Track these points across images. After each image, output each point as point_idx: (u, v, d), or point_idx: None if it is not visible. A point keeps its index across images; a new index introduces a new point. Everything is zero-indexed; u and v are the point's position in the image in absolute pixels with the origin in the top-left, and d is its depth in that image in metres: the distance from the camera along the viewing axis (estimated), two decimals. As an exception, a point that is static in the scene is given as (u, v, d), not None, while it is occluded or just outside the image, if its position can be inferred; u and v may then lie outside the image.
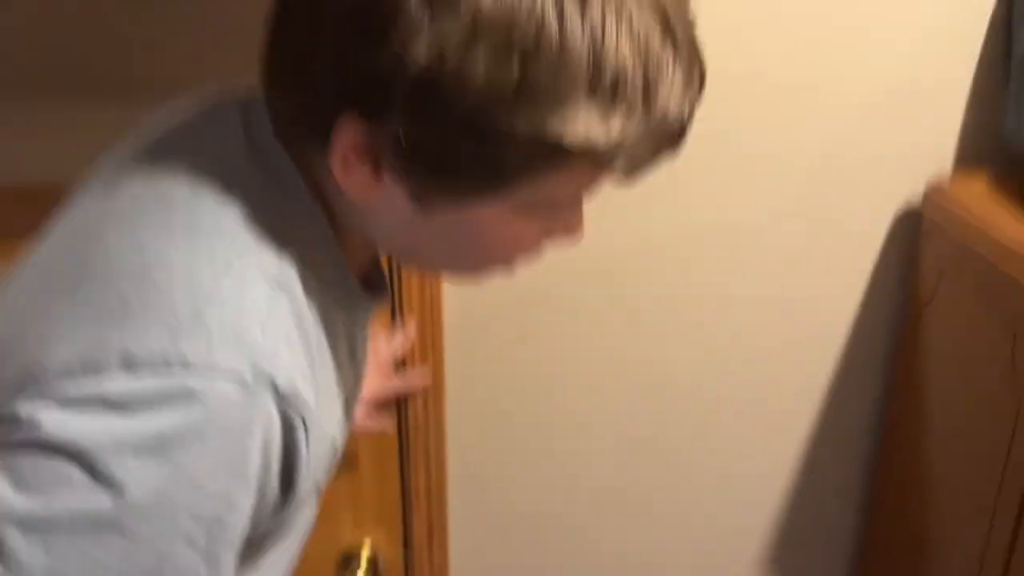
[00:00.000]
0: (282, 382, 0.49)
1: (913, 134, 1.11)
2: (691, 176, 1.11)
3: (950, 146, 1.11)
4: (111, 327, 0.47)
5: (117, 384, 0.45)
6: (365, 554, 1.13)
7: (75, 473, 0.44)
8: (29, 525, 0.44)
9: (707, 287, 1.19)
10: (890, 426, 1.20)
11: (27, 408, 0.45)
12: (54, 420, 0.45)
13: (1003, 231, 0.93)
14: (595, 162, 0.50)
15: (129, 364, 0.46)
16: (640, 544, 1.34)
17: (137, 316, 0.47)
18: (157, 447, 0.45)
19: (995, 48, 1.06)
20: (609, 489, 1.30)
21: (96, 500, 0.45)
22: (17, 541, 0.44)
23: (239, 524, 0.50)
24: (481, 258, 0.59)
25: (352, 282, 0.61)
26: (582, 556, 1.33)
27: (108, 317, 0.48)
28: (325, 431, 0.57)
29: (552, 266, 1.01)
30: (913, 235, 1.13)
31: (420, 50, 0.46)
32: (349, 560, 1.12)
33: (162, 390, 0.46)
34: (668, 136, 0.52)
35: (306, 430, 0.51)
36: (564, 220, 0.59)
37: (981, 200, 1.01)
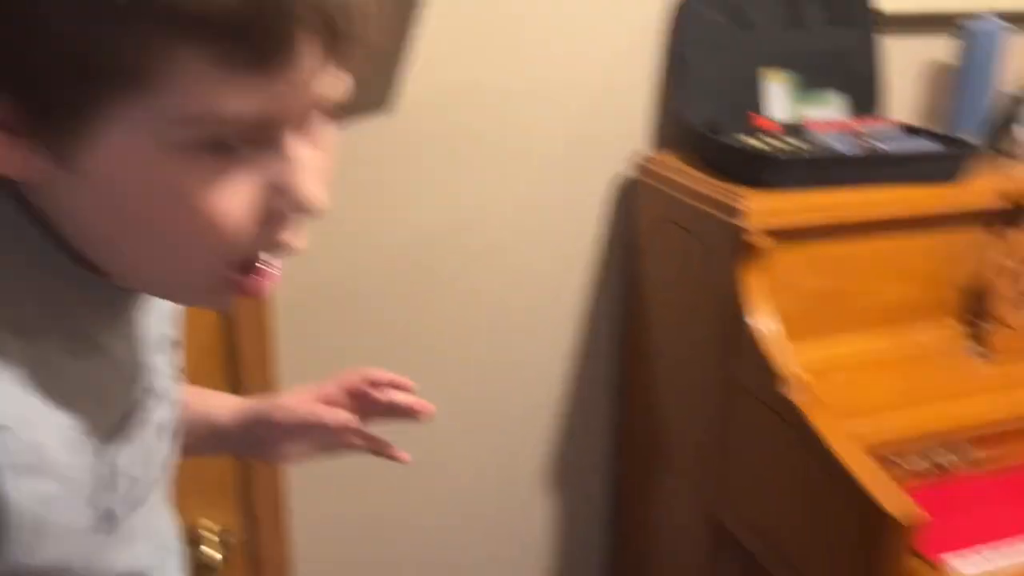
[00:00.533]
0: None
1: (621, 123, 1.45)
2: (448, 175, 1.37)
3: (647, 130, 1.47)
4: None
5: None
6: (208, 530, 1.17)
7: None
8: None
9: (476, 265, 1.44)
10: (630, 339, 1.53)
11: None
12: None
13: (692, 181, 1.28)
14: (203, 35, 0.40)
15: None
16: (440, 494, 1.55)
17: None
18: None
19: (668, 54, 1.44)
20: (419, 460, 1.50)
21: None
22: None
23: None
24: (153, 227, 0.46)
25: (81, 271, 0.51)
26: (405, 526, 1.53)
27: None
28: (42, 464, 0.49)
29: (357, 260, 1.23)
30: (629, 196, 1.47)
31: None
32: (195, 538, 1.16)
33: None
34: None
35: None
36: (273, 173, 0.47)
37: (674, 163, 1.36)
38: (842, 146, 1.28)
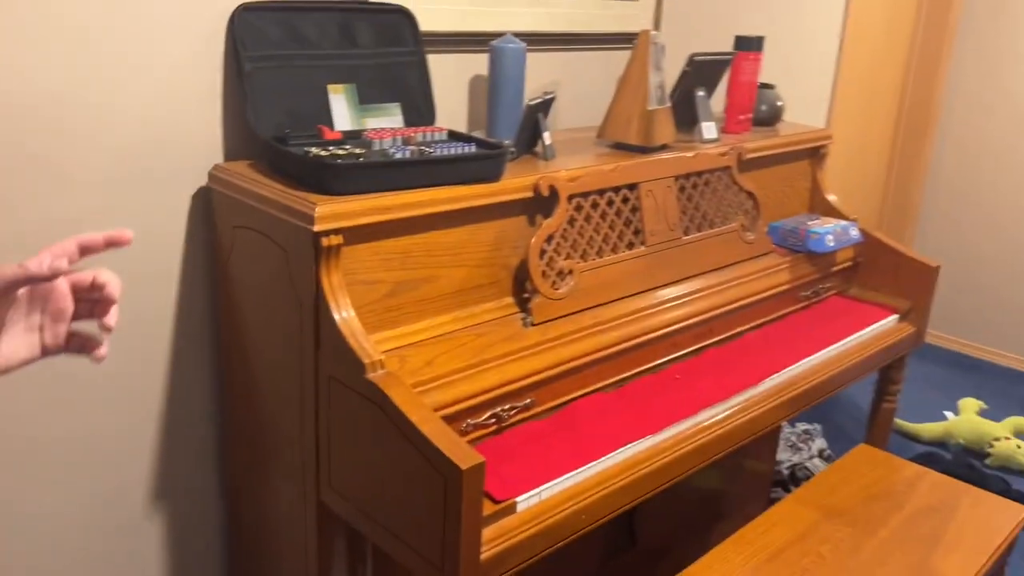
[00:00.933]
0: None
1: (191, 136, 1.47)
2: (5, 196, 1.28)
3: (219, 141, 1.50)
4: None
5: None
6: None
7: None
8: None
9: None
10: (225, 343, 1.56)
11: None
12: None
13: (266, 189, 1.35)
14: None
15: None
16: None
17: None
18: None
19: (233, 69, 1.48)
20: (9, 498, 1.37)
21: None
22: None
23: None
24: None
25: None
26: None
27: None
28: None
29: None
30: (207, 206, 1.49)
31: None
32: None
33: None
34: None
35: None
36: None
37: (247, 172, 1.42)
38: (398, 152, 1.43)
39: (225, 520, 1.70)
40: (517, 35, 1.79)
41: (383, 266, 1.36)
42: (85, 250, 0.82)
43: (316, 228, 1.25)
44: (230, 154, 1.52)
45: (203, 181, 1.49)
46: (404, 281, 1.39)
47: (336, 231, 1.27)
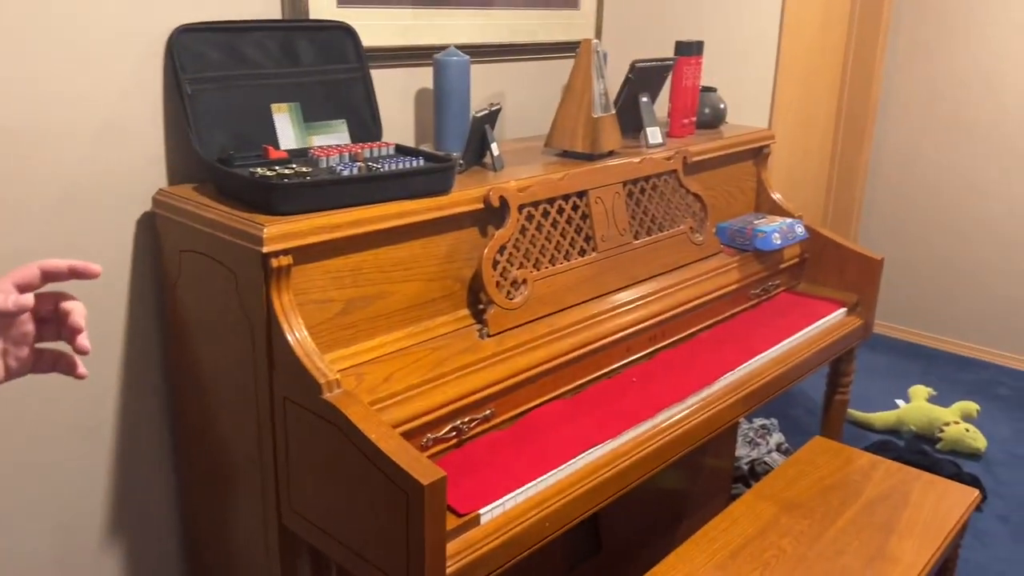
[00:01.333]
0: None
1: (134, 161, 1.44)
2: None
3: (162, 164, 1.48)
4: None
5: None
6: None
7: None
8: None
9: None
10: (175, 368, 1.53)
11: None
12: None
13: (212, 212, 1.33)
14: None
15: None
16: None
17: None
18: None
19: (173, 91, 1.46)
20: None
21: None
22: None
23: None
24: None
25: None
26: None
27: None
28: None
29: None
30: (153, 231, 1.47)
31: None
32: None
33: None
34: None
35: None
36: None
37: (192, 196, 1.40)
38: (345, 169, 1.43)
39: (185, 548, 1.67)
40: (460, 47, 1.79)
41: (334, 284, 1.35)
42: (48, 276, 0.81)
43: (265, 249, 1.24)
44: (174, 178, 1.50)
45: (147, 206, 1.46)
46: (357, 298, 1.38)
47: (285, 251, 1.26)
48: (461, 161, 1.65)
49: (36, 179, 1.35)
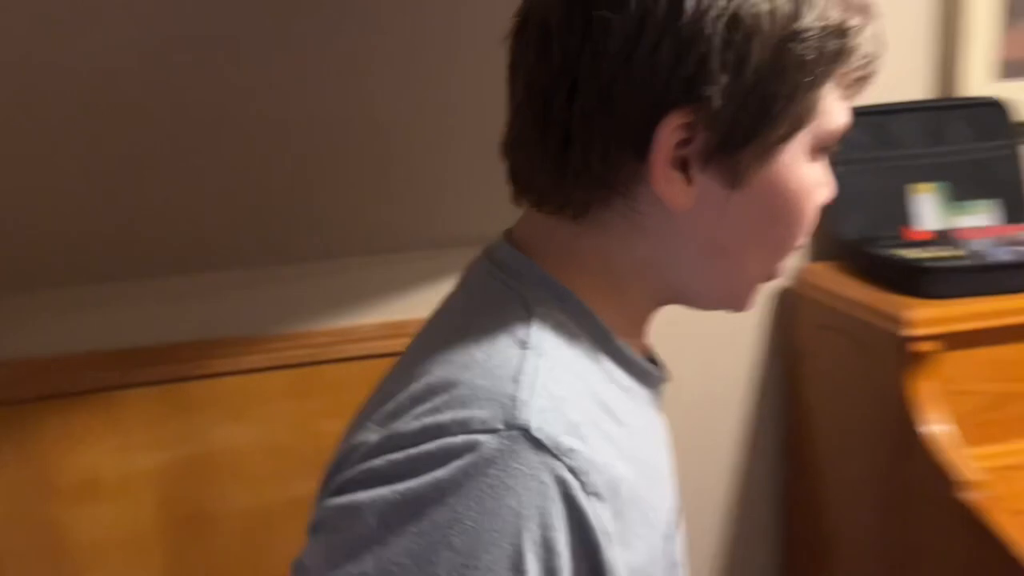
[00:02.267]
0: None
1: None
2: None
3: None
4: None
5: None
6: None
7: None
8: None
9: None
10: (792, 450, 1.58)
11: None
12: None
13: (852, 291, 1.35)
14: (849, 66, 0.57)
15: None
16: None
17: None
18: None
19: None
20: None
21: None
22: None
23: None
24: (793, 218, 0.60)
25: (641, 361, 0.62)
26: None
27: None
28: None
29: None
30: (788, 305, 1.55)
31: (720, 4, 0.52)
32: None
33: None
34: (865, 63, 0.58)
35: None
36: (824, 169, 0.62)
37: (832, 274, 1.44)
38: (998, 253, 1.32)
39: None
40: None
41: (982, 377, 1.25)
42: None
43: (907, 333, 1.21)
44: (814, 256, 1.56)
45: (789, 282, 1.55)
46: (1009, 393, 1.26)
47: (931, 337, 1.21)
48: None
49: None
